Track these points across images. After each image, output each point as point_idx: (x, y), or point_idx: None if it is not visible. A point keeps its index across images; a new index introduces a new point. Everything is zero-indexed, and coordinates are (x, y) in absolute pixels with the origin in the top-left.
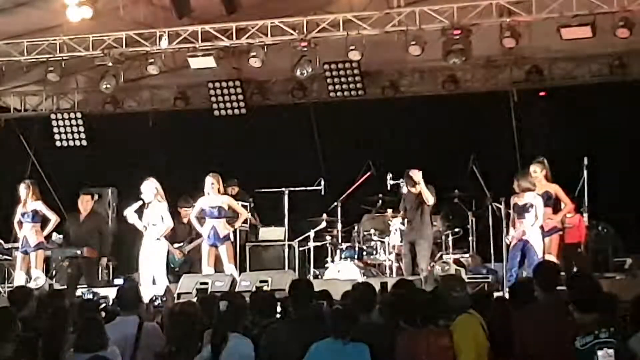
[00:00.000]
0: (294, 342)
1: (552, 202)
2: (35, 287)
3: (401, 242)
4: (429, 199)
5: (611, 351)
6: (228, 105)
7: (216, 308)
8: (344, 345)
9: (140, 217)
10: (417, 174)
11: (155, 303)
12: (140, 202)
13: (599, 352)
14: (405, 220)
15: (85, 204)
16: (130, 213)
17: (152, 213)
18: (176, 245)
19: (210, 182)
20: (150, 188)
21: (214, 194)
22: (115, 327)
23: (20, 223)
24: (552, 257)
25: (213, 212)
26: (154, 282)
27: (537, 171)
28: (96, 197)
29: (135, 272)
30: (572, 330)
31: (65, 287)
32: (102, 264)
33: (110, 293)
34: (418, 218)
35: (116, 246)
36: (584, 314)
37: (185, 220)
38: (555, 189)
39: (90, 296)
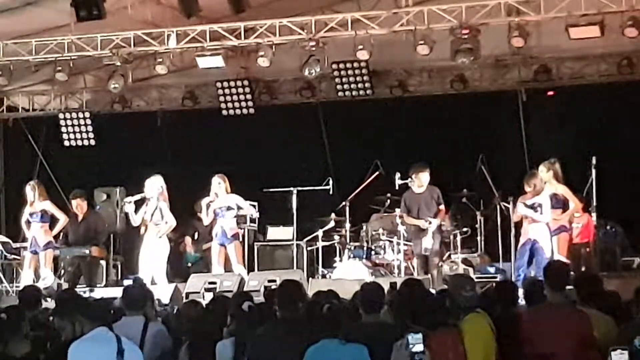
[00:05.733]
0: (280, 345)
1: (559, 204)
2: (43, 286)
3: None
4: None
5: (625, 353)
6: (236, 104)
7: (237, 308)
8: (342, 346)
9: (135, 211)
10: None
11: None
12: (142, 195)
13: (613, 353)
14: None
15: (79, 207)
16: (129, 202)
17: (152, 211)
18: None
19: (217, 182)
20: (155, 185)
21: (222, 194)
22: (120, 327)
23: (28, 223)
24: (560, 257)
25: (222, 212)
26: (153, 282)
27: (542, 171)
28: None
29: None
30: (582, 330)
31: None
32: (104, 264)
33: (112, 293)
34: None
35: (125, 246)
36: None
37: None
38: (562, 189)
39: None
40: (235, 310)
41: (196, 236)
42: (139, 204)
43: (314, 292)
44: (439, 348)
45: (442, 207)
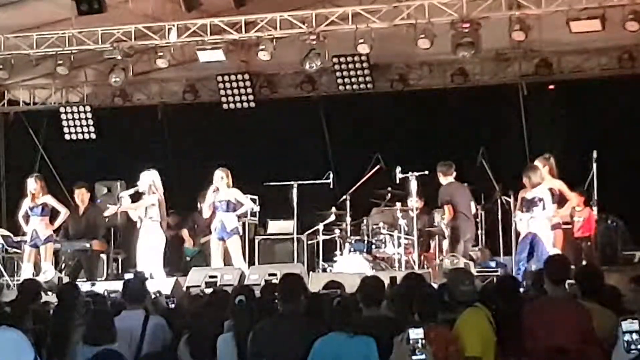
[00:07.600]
0: (283, 339)
1: (555, 199)
2: (44, 280)
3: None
4: None
5: (635, 322)
6: (237, 98)
7: (232, 301)
8: (349, 339)
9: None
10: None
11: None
12: (136, 189)
13: (623, 323)
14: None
15: (82, 198)
16: (125, 197)
17: (145, 205)
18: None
19: (220, 176)
20: (146, 179)
21: (223, 188)
22: (120, 321)
23: (26, 217)
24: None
25: (222, 206)
26: (151, 276)
27: (539, 167)
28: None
29: None
30: (582, 324)
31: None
32: (105, 258)
33: (113, 286)
34: None
35: (125, 239)
36: None
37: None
38: (559, 185)
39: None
40: (233, 305)
41: (195, 228)
42: (136, 198)
43: (322, 284)
44: (440, 342)
45: (446, 205)
